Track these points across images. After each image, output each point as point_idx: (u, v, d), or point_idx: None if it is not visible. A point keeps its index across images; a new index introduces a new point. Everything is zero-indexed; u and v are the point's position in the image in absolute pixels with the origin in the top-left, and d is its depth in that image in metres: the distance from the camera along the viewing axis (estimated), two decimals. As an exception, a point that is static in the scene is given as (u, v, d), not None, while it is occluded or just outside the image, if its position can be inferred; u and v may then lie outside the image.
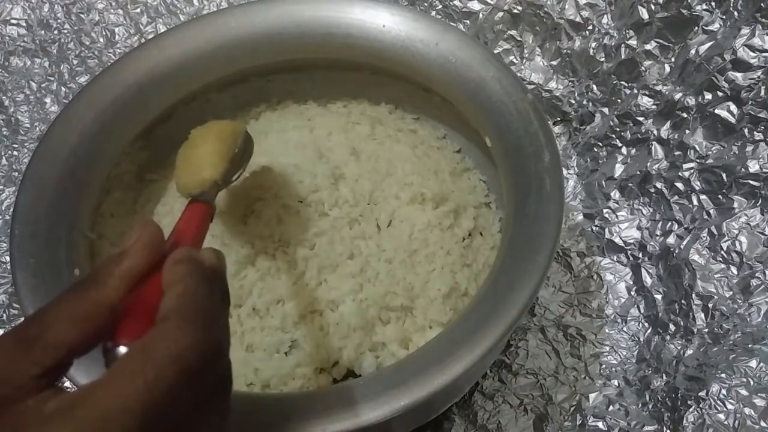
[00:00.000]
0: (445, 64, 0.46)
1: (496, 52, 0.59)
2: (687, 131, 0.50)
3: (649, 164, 0.52)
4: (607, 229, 0.53)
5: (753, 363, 0.42)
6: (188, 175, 0.34)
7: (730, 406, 0.41)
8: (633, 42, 0.53)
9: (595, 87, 0.56)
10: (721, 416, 0.41)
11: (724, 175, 0.48)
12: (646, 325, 0.48)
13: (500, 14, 0.59)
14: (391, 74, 0.50)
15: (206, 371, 0.22)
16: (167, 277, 0.24)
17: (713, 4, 0.49)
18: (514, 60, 0.59)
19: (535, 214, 0.39)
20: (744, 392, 0.41)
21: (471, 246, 0.46)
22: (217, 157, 0.34)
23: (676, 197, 0.50)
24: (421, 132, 0.53)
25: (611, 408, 0.46)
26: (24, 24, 0.66)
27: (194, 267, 0.24)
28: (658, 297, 0.49)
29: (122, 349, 0.22)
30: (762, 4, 0.46)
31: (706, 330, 0.45)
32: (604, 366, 0.48)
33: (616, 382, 0.47)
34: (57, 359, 0.21)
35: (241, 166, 0.38)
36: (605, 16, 0.55)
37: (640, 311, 0.49)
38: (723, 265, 0.46)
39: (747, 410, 0.41)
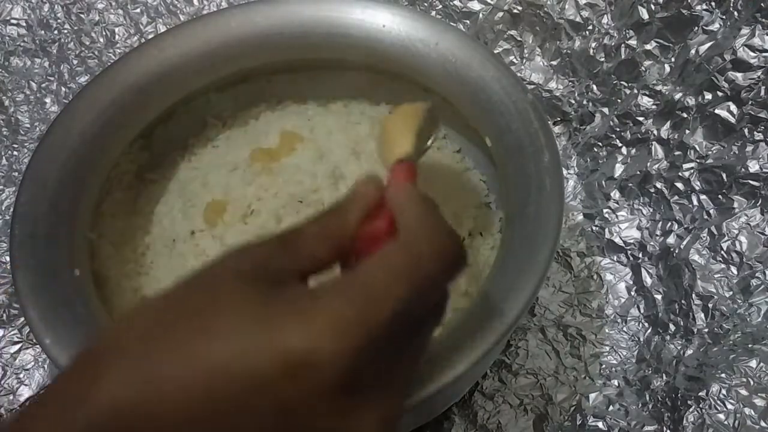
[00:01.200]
0: (445, 64, 0.46)
1: (496, 52, 0.59)
2: (687, 131, 0.50)
3: (649, 164, 0.52)
4: (607, 229, 0.53)
5: (753, 363, 0.42)
6: (385, 152, 0.37)
7: (730, 406, 0.41)
8: (633, 42, 0.53)
9: (595, 87, 0.56)
10: (721, 416, 0.41)
11: (724, 175, 0.48)
12: (646, 325, 0.48)
13: (500, 14, 0.59)
14: (391, 74, 0.50)
15: (454, 274, 0.24)
16: (397, 202, 0.26)
17: (713, 4, 0.49)
18: (514, 60, 0.59)
19: (535, 214, 0.39)
20: (744, 392, 0.41)
21: (471, 246, 0.46)
22: (405, 136, 0.37)
23: (676, 197, 0.50)
24: (421, 132, 0.53)
25: (611, 408, 0.46)
26: (24, 24, 0.66)
27: (419, 194, 0.27)
28: (658, 297, 0.49)
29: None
30: (762, 4, 0.46)
31: (706, 330, 0.45)
32: (604, 366, 0.48)
33: (616, 382, 0.47)
34: (308, 267, 0.24)
35: (429, 137, 0.41)
36: (605, 16, 0.55)
37: (640, 311, 0.49)
38: (723, 265, 0.46)
39: (747, 410, 0.41)
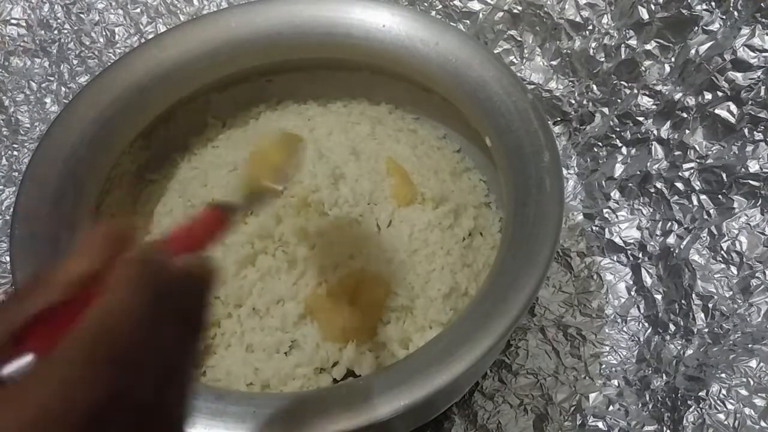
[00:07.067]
0: (445, 64, 0.46)
1: (496, 52, 0.59)
2: (687, 131, 0.50)
3: (649, 164, 0.52)
4: (607, 229, 0.53)
5: (753, 363, 0.42)
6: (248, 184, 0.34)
7: (730, 406, 0.41)
8: (633, 42, 0.53)
9: (595, 87, 0.56)
10: (721, 416, 0.41)
11: (724, 175, 0.48)
12: (646, 325, 0.48)
13: (500, 14, 0.59)
14: (391, 74, 0.50)
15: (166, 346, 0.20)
16: (110, 280, 0.20)
17: (713, 4, 0.49)
18: (514, 60, 0.59)
19: (535, 214, 0.39)
20: (744, 392, 0.41)
21: (471, 246, 0.46)
22: (266, 170, 0.35)
23: (676, 197, 0.50)
24: (421, 132, 0.53)
25: (611, 408, 0.46)
26: (24, 24, 0.66)
27: (140, 273, 0.21)
28: (658, 297, 0.49)
29: (26, 360, 0.20)
30: (762, 4, 0.46)
31: (706, 330, 0.45)
32: (604, 366, 0.48)
33: (616, 382, 0.47)
34: None
35: (292, 172, 0.38)
36: (605, 16, 0.55)
37: (640, 311, 0.49)
38: (723, 265, 0.46)
39: (747, 410, 0.41)
